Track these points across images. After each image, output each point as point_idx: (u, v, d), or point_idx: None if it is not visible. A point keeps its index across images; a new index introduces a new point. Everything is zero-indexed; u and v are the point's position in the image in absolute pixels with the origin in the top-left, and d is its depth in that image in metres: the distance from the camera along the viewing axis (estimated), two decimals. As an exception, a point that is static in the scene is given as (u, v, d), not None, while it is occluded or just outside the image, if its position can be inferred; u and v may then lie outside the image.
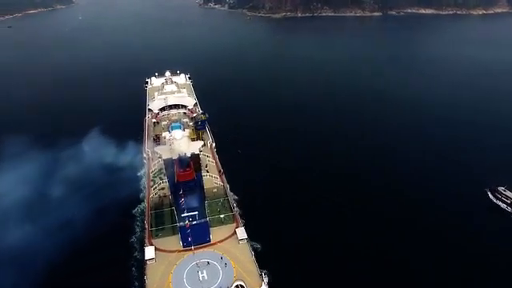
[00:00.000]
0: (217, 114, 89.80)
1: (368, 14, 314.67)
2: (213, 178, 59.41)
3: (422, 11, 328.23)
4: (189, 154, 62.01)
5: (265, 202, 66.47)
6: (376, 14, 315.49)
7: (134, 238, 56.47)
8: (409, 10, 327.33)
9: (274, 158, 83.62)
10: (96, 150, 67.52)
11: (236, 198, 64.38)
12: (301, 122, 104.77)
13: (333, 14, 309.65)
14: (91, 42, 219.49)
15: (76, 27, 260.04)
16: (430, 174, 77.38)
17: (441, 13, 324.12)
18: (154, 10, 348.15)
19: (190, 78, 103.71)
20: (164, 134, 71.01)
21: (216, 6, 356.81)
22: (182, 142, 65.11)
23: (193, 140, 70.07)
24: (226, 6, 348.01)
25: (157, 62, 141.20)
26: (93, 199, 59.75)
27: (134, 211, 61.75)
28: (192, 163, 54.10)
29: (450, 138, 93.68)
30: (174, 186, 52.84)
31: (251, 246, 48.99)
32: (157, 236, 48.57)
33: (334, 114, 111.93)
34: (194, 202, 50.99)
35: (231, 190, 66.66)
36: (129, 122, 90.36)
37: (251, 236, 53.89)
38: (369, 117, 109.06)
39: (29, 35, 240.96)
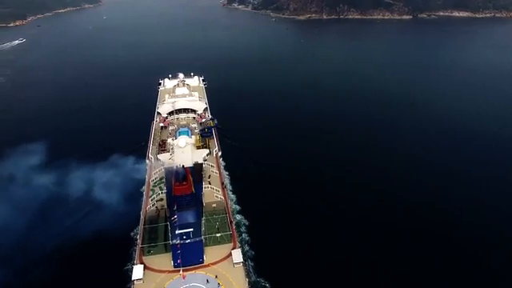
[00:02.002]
0: (228, 118, 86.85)
1: (397, 17, 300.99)
2: (214, 191, 55.67)
3: (456, 14, 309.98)
4: (191, 164, 59.32)
5: (268, 218, 61.21)
6: (405, 17, 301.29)
7: (129, 266, 47.69)
8: (441, 13, 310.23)
9: (284, 165, 79.17)
10: (98, 161, 63.83)
11: (238, 211, 60.73)
12: (320, 128, 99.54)
13: (359, 17, 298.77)
14: (111, 41, 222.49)
15: (99, 26, 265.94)
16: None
17: (477, 16, 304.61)
18: (178, 9, 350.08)
19: (204, 81, 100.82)
20: (169, 140, 68.36)
21: (240, 7, 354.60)
22: (185, 150, 62.23)
23: (198, 148, 66.77)
24: (250, 6, 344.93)
25: (174, 63, 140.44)
26: (85, 220, 54.95)
27: (132, 234, 54.10)
28: (191, 175, 50.90)
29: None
30: (170, 199, 49.70)
31: (247, 270, 45.10)
32: (148, 253, 45.54)
33: (353, 120, 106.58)
34: (190, 218, 47.24)
35: (236, 202, 63.56)
36: (140, 126, 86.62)
37: (254, 261, 50.18)
38: (387, 122, 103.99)
39: (53, 34, 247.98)
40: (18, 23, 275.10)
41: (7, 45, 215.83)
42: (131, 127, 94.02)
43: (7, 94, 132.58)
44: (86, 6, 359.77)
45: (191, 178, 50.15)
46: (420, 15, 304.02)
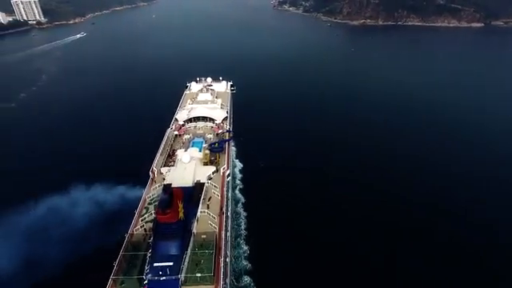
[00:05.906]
0: (248, 126, 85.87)
1: (465, 24, 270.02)
2: (210, 218, 48.92)
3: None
4: (191, 183, 53.50)
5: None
6: (475, 24, 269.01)
7: None
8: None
9: (300, 193, 74.96)
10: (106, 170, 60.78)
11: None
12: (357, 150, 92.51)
13: (420, 24, 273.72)
14: (153, 39, 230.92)
15: (146, 25, 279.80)
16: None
17: None
18: (228, 9, 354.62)
19: (232, 86, 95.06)
20: (178, 152, 63.31)
21: (290, 9, 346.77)
22: (188, 167, 56.58)
23: (205, 164, 60.59)
24: (301, 9, 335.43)
25: (209, 64, 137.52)
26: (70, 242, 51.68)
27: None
28: (180, 200, 44.74)
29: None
30: (154, 224, 44.02)
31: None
32: (121, 285, 40.32)
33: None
34: (172, 250, 40.99)
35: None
36: (161, 133, 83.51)
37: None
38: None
39: (104, 31, 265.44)
40: (77, 20, 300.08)
41: (70, 38, 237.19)
42: (151, 134, 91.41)
43: (48, 91, 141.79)
44: (141, 4, 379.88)
45: (180, 205, 43.90)
46: (493, 22, 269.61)
